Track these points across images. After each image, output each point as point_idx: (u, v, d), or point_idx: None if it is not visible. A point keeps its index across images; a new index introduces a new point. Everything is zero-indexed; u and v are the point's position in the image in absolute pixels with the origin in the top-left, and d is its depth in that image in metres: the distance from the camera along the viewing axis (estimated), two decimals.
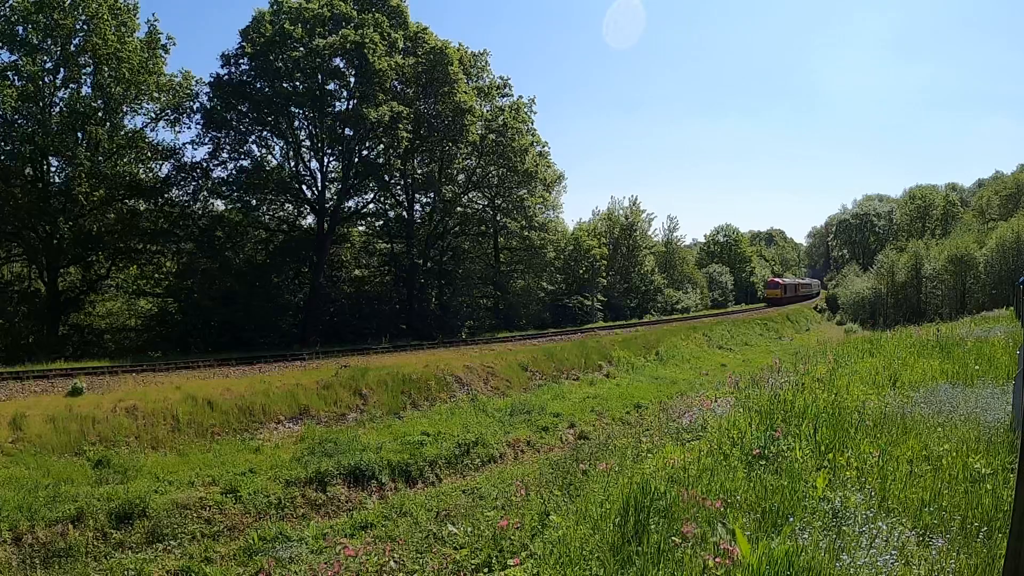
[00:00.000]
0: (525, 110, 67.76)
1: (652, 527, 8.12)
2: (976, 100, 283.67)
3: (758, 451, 10.97)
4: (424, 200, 65.66)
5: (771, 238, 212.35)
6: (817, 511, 8.33)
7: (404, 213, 64.20)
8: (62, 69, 44.91)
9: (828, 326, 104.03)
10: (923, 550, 7.27)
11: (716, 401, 18.30)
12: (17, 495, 17.71)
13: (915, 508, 8.40)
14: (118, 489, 18.87)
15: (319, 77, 52.12)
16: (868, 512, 8.02)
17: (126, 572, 16.47)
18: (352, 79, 53.14)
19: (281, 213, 57.80)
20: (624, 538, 8.11)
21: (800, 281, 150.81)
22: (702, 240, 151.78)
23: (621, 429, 30.39)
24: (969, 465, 9.87)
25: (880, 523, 7.66)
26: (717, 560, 6.61)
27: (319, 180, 56.05)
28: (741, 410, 15.27)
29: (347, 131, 52.95)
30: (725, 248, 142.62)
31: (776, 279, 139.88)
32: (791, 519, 8.04)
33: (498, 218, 69.56)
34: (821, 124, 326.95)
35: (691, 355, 55.45)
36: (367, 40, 50.33)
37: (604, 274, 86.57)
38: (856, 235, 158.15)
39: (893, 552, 7.01)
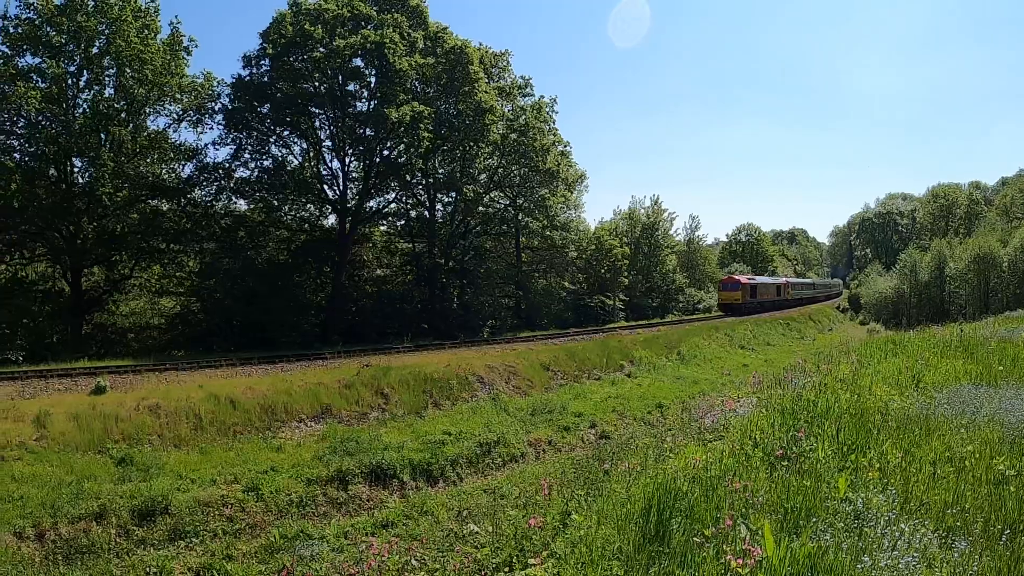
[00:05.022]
0: (547, 110, 67.65)
1: (675, 527, 8.08)
2: (1000, 98, 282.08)
3: (781, 451, 10.90)
4: (446, 200, 65.95)
5: (793, 237, 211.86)
6: (839, 512, 8.26)
7: (426, 213, 64.47)
8: (85, 71, 45.27)
9: (850, 326, 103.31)
10: (945, 552, 7.18)
11: (738, 401, 18.19)
12: (41, 492, 17.83)
13: (938, 510, 8.29)
14: (141, 487, 18.94)
15: (339, 77, 52.38)
16: (890, 513, 7.94)
17: (148, 569, 16.53)
18: (372, 79, 53.34)
19: (303, 213, 58.09)
20: (646, 538, 8.07)
21: (789, 280, 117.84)
22: (724, 239, 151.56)
23: (643, 429, 30.28)
24: (992, 467, 9.74)
25: (902, 525, 7.57)
26: (740, 560, 6.55)
27: (340, 180, 56.24)
28: (763, 410, 15.17)
29: (368, 131, 53.09)
30: (747, 247, 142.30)
31: (736, 277, 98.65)
32: (813, 520, 7.98)
33: (520, 217, 69.47)
34: (844, 122, 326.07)
35: (713, 355, 55.18)
36: (387, 40, 50.41)
37: (625, 274, 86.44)
38: (879, 234, 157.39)
39: (915, 554, 6.92)
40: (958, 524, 7.88)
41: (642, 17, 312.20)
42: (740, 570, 6.47)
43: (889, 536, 7.40)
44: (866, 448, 11.03)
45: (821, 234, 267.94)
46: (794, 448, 11.02)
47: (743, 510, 8.37)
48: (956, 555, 7.07)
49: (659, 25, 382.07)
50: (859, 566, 6.71)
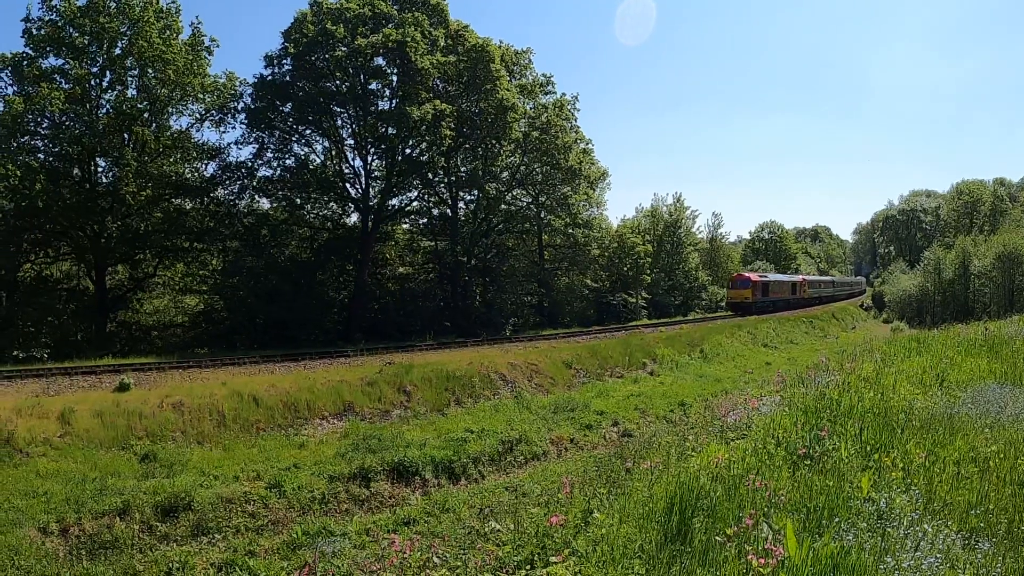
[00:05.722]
0: (568, 107, 67.42)
1: (697, 526, 8.03)
2: None
3: (803, 450, 10.82)
4: (468, 198, 65.94)
5: (816, 235, 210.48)
6: (862, 512, 8.18)
7: (448, 211, 64.54)
8: (108, 72, 45.81)
9: (874, 324, 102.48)
10: (969, 553, 7.09)
11: (761, 400, 18.07)
12: (65, 488, 17.95)
13: (961, 510, 8.19)
14: (164, 483, 19.04)
15: (361, 76, 52.51)
16: (913, 514, 7.85)
17: (171, 564, 16.58)
18: (394, 78, 53.47)
19: (325, 211, 58.35)
20: (668, 537, 8.01)
21: (806, 277, 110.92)
22: (747, 237, 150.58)
23: (665, 427, 30.13)
24: (1017, 467, 9.62)
25: (925, 525, 7.49)
26: (762, 560, 6.50)
27: (363, 178, 56.44)
28: (786, 409, 15.08)
29: (390, 130, 53.07)
30: (770, 245, 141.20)
31: (746, 274, 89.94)
32: (836, 520, 7.91)
33: (542, 215, 69.54)
34: (867, 119, 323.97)
35: (736, 353, 54.91)
36: (409, 39, 50.43)
37: (648, 271, 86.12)
38: (903, 232, 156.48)
39: (938, 555, 6.85)
40: (982, 525, 7.78)
41: (647, 14, 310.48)
42: (762, 570, 6.41)
43: (912, 536, 7.33)
44: (889, 447, 10.93)
45: (844, 232, 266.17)
46: (817, 447, 10.95)
47: (765, 509, 8.30)
48: (979, 556, 6.98)
49: (675, 20, 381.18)
50: (882, 566, 6.64)
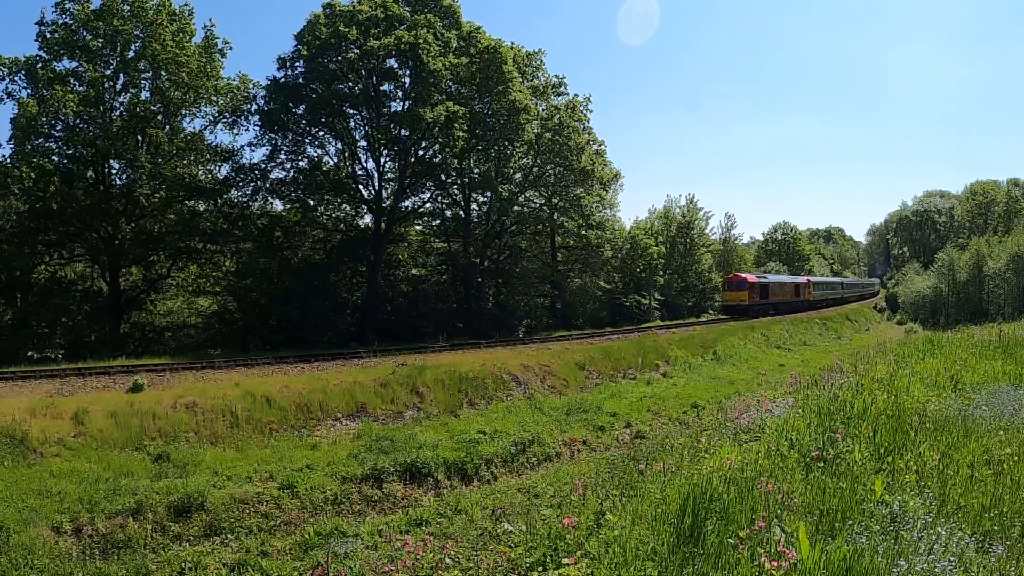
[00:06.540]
0: (581, 108, 67.48)
1: (709, 528, 8.01)
2: None
3: (816, 453, 10.79)
4: (481, 199, 65.73)
5: (830, 236, 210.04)
6: (875, 515, 8.14)
7: (461, 212, 64.52)
8: (121, 74, 46.03)
9: (888, 326, 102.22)
10: (982, 556, 7.05)
11: (774, 402, 18.07)
12: (78, 488, 18.01)
13: (975, 513, 8.14)
14: (177, 483, 19.09)
15: (374, 78, 52.53)
16: (927, 517, 7.81)
17: (183, 564, 16.61)
18: (407, 80, 53.49)
19: (338, 213, 58.34)
20: (680, 539, 7.99)
21: (811, 279, 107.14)
22: (760, 238, 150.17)
23: (678, 429, 30.11)
24: None
25: (939, 528, 7.45)
26: (774, 563, 6.47)
27: (376, 180, 56.36)
28: (799, 411, 15.05)
29: (403, 131, 53.12)
30: (783, 246, 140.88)
31: (743, 275, 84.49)
32: (849, 522, 7.88)
33: (555, 217, 69.46)
34: (881, 120, 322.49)
35: (749, 355, 54.74)
36: (421, 41, 50.43)
37: (661, 273, 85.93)
38: (916, 233, 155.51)
39: (952, 558, 6.81)
40: (996, 528, 7.74)
41: (650, 13, 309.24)
42: (774, 572, 6.39)
43: (925, 540, 7.30)
44: (903, 450, 10.90)
45: (858, 233, 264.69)
46: (830, 449, 10.94)
47: (778, 512, 8.28)
48: (993, 560, 6.95)
49: (687, 20, 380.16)
50: (895, 570, 6.61)
